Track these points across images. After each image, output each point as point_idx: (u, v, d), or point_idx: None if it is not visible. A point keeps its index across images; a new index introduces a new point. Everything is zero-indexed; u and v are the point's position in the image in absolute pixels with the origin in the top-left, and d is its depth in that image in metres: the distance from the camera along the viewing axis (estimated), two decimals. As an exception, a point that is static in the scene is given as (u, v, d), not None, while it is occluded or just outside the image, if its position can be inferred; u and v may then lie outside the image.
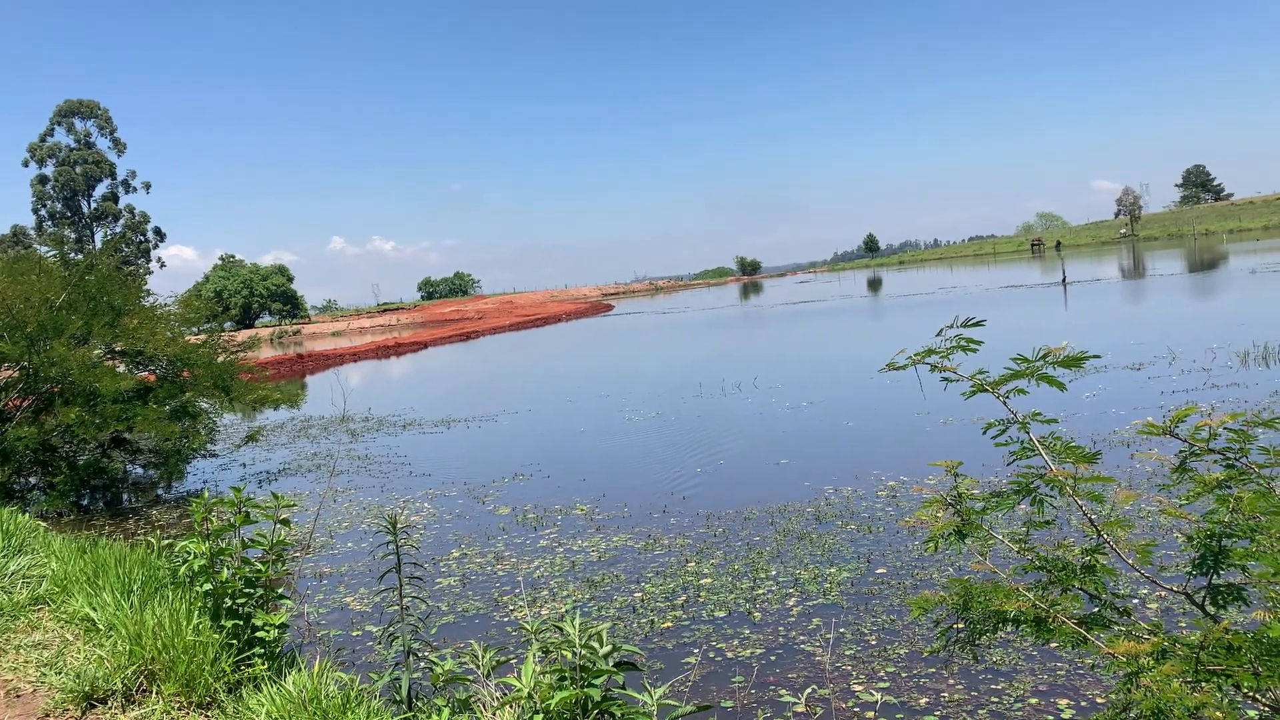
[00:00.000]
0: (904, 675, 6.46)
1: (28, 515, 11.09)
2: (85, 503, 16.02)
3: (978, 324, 4.05)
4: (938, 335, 4.12)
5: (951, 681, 6.31)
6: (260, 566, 6.54)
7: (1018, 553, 3.85)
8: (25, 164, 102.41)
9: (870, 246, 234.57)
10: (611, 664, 4.72)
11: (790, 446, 14.72)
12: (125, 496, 16.80)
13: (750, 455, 14.45)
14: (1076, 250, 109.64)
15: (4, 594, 7.73)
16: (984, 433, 3.91)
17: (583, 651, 4.73)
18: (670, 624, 7.79)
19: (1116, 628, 3.59)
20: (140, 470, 17.85)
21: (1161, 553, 7.93)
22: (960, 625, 4.20)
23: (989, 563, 4.19)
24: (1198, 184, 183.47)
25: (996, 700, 5.98)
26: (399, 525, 11.53)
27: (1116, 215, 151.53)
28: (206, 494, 6.57)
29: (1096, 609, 3.62)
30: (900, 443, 14.16)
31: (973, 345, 3.99)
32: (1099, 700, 5.77)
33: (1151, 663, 3.14)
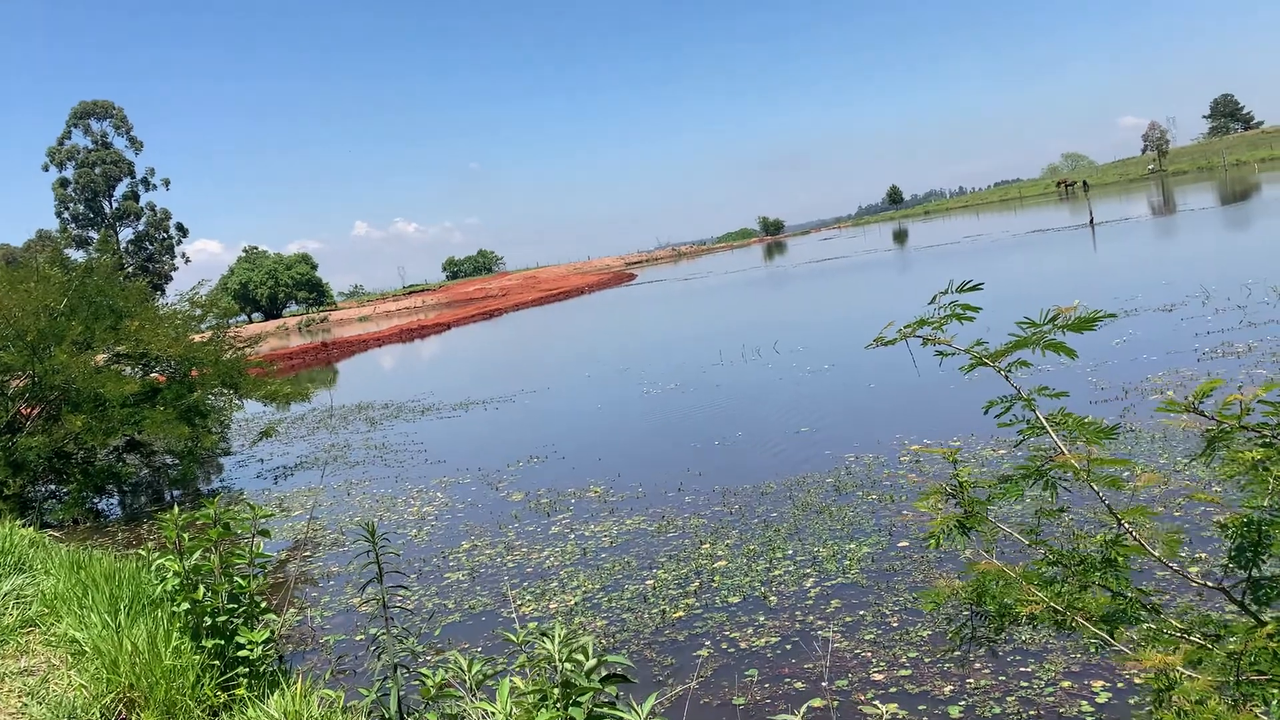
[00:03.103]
0: (927, 661, 6.06)
1: (31, 528, 10.90)
2: (101, 507, 15.89)
3: (974, 288, 3.60)
4: (931, 303, 3.68)
5: (978, 665, 5.90)
6: (242, 581, 6.24)
7: (1029, 546, 3.43)
8: (45, 168, 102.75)
9: (894, 198, 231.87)
10: (598, 679, 4.36)
11: (810, 413, 14.27)
12: (143, 500, 16.66)
13: (769, 424, 14.01)
14: (1104, 189, 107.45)
15: (-6, 618, 7.47)
16: (985, 412, 3.47)
17: (566, 666, 4.36)
18: (682, 613, 7.43)
19: (1145, 626, 3.18)
20: (147, 472, 17.68)
21: (1207, 548, 7.48)
22: (976, 620, 3.81)
23: (998, 555, 3.78)
24: (1226, 113, 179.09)
25: (1026, 685, 5.57)
26: (414, 518, 11.22)
27: (1144, 151, 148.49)
28: (177, 510, 6.25)
29: (1122, 606, 3.20)
30: (924, 403, 13.69)
31: (969, 313, 3.55)
32: (1137, 682, 5.34)
33: (1184, 676, 2.73)
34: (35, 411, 15.12)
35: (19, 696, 6.09)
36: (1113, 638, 3.16)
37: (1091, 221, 48.88)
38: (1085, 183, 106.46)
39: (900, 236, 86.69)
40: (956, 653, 5.99)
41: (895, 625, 6.65)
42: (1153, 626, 3.14)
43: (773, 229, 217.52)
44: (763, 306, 39.00)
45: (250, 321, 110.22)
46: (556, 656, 4.34)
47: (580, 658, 4.40)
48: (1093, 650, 3.26)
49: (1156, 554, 3.06)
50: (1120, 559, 3.18)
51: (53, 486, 15.80)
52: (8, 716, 5.90)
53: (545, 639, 4.45)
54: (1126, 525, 3.11)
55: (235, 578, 6.25)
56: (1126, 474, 3.44)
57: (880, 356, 18.06)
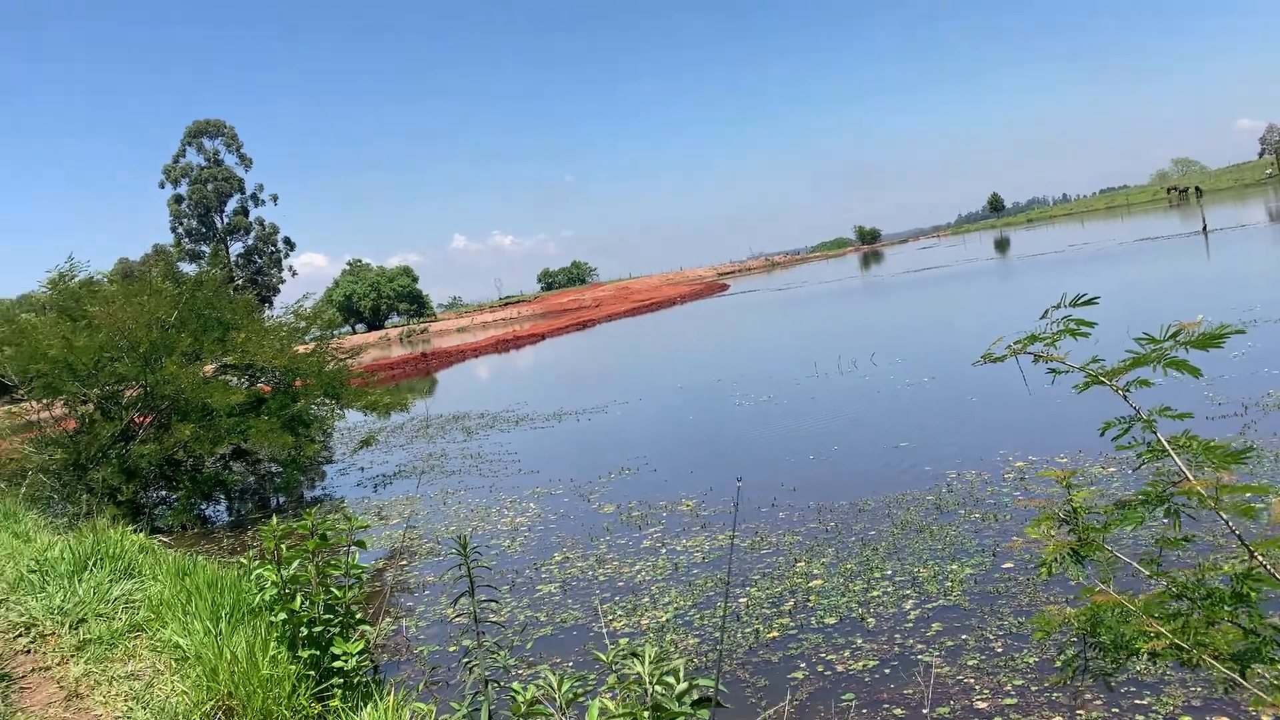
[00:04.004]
0: (1033, 689, 5.79)
1: (141, 534, 11.26)
2: (208, 514, 16.38)
3: (1089, 302, 3.41)
4: (1042, 318, 3.49)
5: (1089, 696, 5.61)
6: (337, 592, 6.30)
7: (1149, 577, 3.21)
8: (162, 185, 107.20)
9: (995, 206, 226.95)
10: (689, 702, 4.25)
11: (910, 427, 13.92)
12: (250, 506, 17.10)
13: (866, 439, 13.72)
14: (1218, 196, 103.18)
15: (104, 622, 7.68)
16: (1102, 434, 3.27)
17: (656, 689, 4.26)
18: (776, 633, 7.26)
19: (1281, 667, 2.94)
20: (254, 479, 18.15)
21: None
22: (1091, 653, 3.59)
23: (1116, 584, 3.55)
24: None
25: (1142, 719, 5.27)
26: (507, 529, 11.24)
27: (1261, 155, 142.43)
28: (275, 520, 6.35)
29: (1255, 644, 2.97)
30: (1030, 417, 13.23)
31: (1084, 329, 3.35)
32: (1264, 720, 5.00)
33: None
34: (147, 420, 15.67)
35: (125, 700, 6.23)
36: (1244, 678, 2.93)
37: (1204, 229, 46.95)
38: (1198, 189, 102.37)
39: (1002, 245, 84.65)
40: (1067, 683, 5.71)
41: (1000, 651, 6.39)
42: (1290, 667, 2.91)
43: (869, 238, 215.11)
44: (859, 317, 38.43)
45: (354, 332, 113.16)
46: (646, 679, 4.25)
47: (671, 680, 4.30)
48: (1220, 690, 3.03)
49: (1295, 590, 2.83)
50: (1252, 593, 2.95)
51: (163, 493, 16.35)
52: (114, 719, 6.04)
53: (635, 660, 4.37)
54: (1260, 558, 2.88)
55: (331, 588, 6.32)
56: (1260, 501, 3.20)
57: (983, 369, 17.53)
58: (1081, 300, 3.37)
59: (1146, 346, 3.25)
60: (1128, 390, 3.17)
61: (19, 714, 6.03)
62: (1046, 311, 3.45)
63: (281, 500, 17.05)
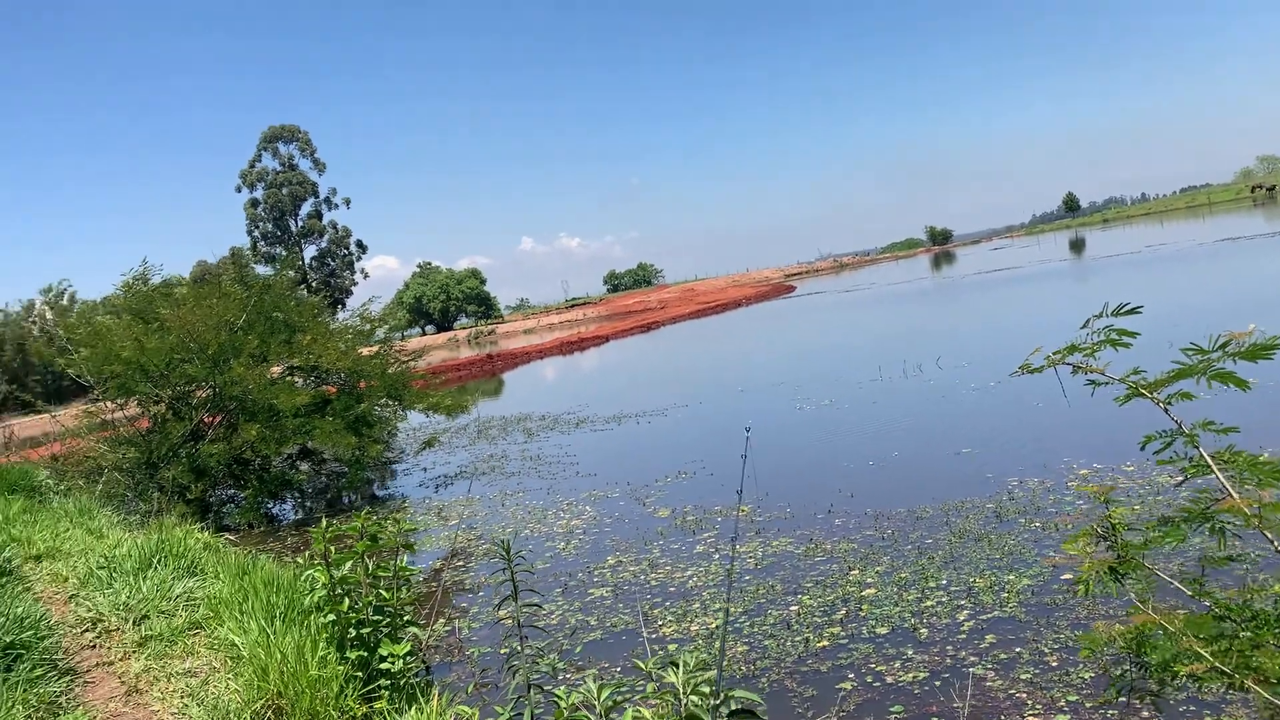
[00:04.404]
0: (1087, 705, 5.63)
1: (208, 532, 11.53)
2: (275, 512, 16.71)
3: (1132, 311, 3.30)
4: (1083, 328, 3.40)
5: (1146, 714, 5.45)
6: (386, 594, 6.38)
7: (1192, 596, 3.10)
8: (238, 189, 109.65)
9: (1070, 206, 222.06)
10: (725, 713, 4.22)
11: (973, 433, 13.67)
12: (322, 504, 17.41)
13: (928, 445, 13.50)
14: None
15: (166, 619, 7.86)
16: (1142, 447, 3.17)
17: (691, 699, 4.24)
18: (826, 642, 7.17)
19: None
20: (324, 478, 18.44)
21: None
22: (1136, 673, 3.48)
23: (1166, 598, 3.43)
24: None
25: (1200, 740, 5.10)
26: (562, 531, 11.29)
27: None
28: (325, 523, 6.44)
29: (1303, 669, 2.84)
30: (1095, 423, 12.86)
31: (1125, 339, 3.25)
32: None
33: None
34: (216, 420, 16.05)
35: (181, 697, 6.36)
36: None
37: (1290, 228, 45.38)
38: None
39: (1077, 246, 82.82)
40: (1120, 698, 5.54)
41: (1054, 665, 6.23)
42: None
43: (940, 238, 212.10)
44: (926, 319, 37.86)
45: (423, 334, 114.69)
46: (681, 689, 4.22)
47: (706, 690, 4.28)
48: (1267, 717, 2.91)
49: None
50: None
51: (231, 491, 16.73)
52: (171, 715, 6.18)
53: (672, 669, 4.34)
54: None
55: (381, 590, 6.39)
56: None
57: (1050, 375, 17.14)
58: (1123, 310, 3.27)
59: (1193, 357, 3.14)
60: (1169, 403, 3.07)
61: (80, 708, 6.19)
62: (1087, 321, 3.35)
63: (352, 498, 17.32)
